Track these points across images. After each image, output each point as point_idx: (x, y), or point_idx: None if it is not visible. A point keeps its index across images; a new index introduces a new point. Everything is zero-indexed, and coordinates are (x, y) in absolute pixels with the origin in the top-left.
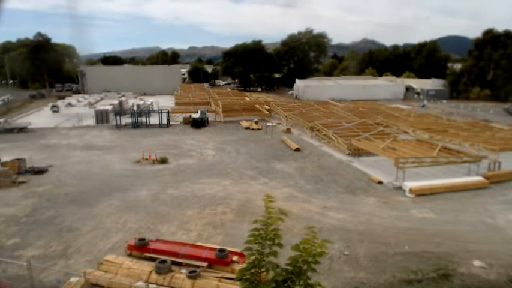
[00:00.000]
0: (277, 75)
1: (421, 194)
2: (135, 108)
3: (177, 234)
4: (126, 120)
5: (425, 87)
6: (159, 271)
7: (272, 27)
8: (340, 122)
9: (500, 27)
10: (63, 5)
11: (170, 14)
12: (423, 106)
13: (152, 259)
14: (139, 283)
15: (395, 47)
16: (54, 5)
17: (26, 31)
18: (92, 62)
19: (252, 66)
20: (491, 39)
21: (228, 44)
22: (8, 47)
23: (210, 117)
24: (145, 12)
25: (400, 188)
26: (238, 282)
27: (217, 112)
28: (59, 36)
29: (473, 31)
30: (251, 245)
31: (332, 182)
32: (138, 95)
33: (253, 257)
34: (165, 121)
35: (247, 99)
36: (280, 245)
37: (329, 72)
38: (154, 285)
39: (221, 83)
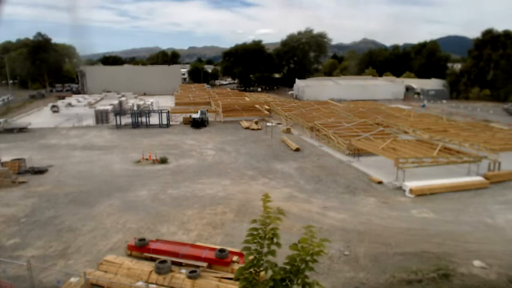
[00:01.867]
0: (277, 75)
1: (421, 194)
2: (135, 108)
3: (177, 234)
4: (126, 120)
5: (425, 87)
6: (159, 271)
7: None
8: (340, 122)
9: (499, 27)
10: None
11: (206, 32)
12: (423, 106)
13: (152, 259)
14: (139, 283)
15: (395, 47)
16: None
17: (26, 31)
18: (92, 62)
19: (252, 66)
20: (491, 40)
21: (228, 45)
22: (8, 47)
23: (210, 117)
24: (190, 29)
25: (400, 188)
26: (238, 282)
27: (217, 112)
28: (59, 35)
29: (473, 31)
30: (249, 245)
31: (332, 182)
32: (138, 95)
33: (252, 257)
34: (165, 121)
35: (247, 99)
36: (278, 244)
37: (329, 72)
38: (154, 285)
39: (223, 82)
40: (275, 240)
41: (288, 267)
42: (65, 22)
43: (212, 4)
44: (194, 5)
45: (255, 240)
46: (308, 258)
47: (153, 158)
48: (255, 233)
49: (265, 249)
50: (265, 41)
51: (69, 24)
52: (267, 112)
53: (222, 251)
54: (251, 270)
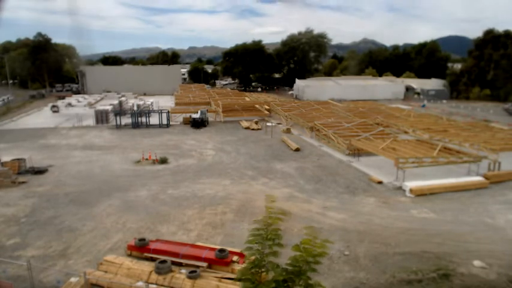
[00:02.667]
0: (277, 75)
1: (421, 194)
2: (135, 108)
3: (177, 234)
4: (126, 120)
5: (425, 87)
6: (159, 271)
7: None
8: (340, 122)
9: (500, 28)
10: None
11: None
12: (423, 106)
13: (152, 259)
14: (139, 283)
15: (396, 47)
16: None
17: (26, 31)
18: (92, 62)
19: (252, 66)
20: (492, 40)
21: (228, 45)
22: (8, 47)
23: (210, 117)
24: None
25: (400, 188)
26: (238, 282)
27: (217, 112)
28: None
29: (474, 31)
30: (252, 245)
31: (332, 182)
32: (138, 95)
33: (254, 257)
34: (165, 121)
35: (247, 99)
36: (280, 245)
37: (329, 72)
38: (154, 286)
39: (223, 82)
40: (277, 241)
41: (290, 268)
42: (65, 23)
43: (238, 15)
44: (221, 17)
45: (257, 241)
46: (310, 259)
47: (153, 158)
48: (257, 233)
49: (267, 250)
50: (266, 41)
51: (69, 26)
52: (267, 112)
53: (222, 251)
54: (253, 270)
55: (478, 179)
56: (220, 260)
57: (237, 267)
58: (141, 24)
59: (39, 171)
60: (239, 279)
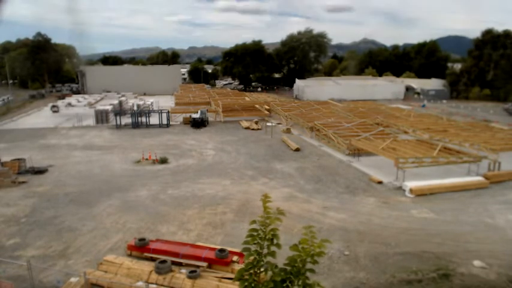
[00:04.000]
0: (277, 75)
1: (421, 194)
2: (135, 108)
3: (177, 234)
4: (126, 120)
5: (425, 87)
6: (159, 271)
7: None
8: (340, 122)
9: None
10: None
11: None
12: (423, 106)
13: (152, 259)
14: (139, 283)
15: (395, 47)
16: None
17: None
18: (92, 62)
19: (252, 66)
20: (491, 40)
21: (228, 45)
22: (8, 47)
23: (210, 117)
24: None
25: (400, 188)
26: (238, 282)
27: (217, 112)
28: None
29: (473, 31)
30: (249, 246)
31: (332, 182)
32: (138, 95)
33: (252, 258)
34: (165, 121)
35: (247, 99)
36: (278, 245)
37: (329, 72)
38: (154, 285)
39: (223, 82)
40: (275, 241)
41: (288, 268)
42: (65, 25)
43: (260, 30)
44: (247, 30)
45: (255, 241)
46: (309, 259)
47: (153, 158)
48: (255, 233)
49: (265, 250)
50: (266, 41)
51: (69, 27)
52: (267, 112)
53: (222, 251)
54: (251, 271)
55: (478, 179)
56: (220, 260)
57: (237, 267)
58: (177, 34)
59: (39, 171)
60: (237, 280)
